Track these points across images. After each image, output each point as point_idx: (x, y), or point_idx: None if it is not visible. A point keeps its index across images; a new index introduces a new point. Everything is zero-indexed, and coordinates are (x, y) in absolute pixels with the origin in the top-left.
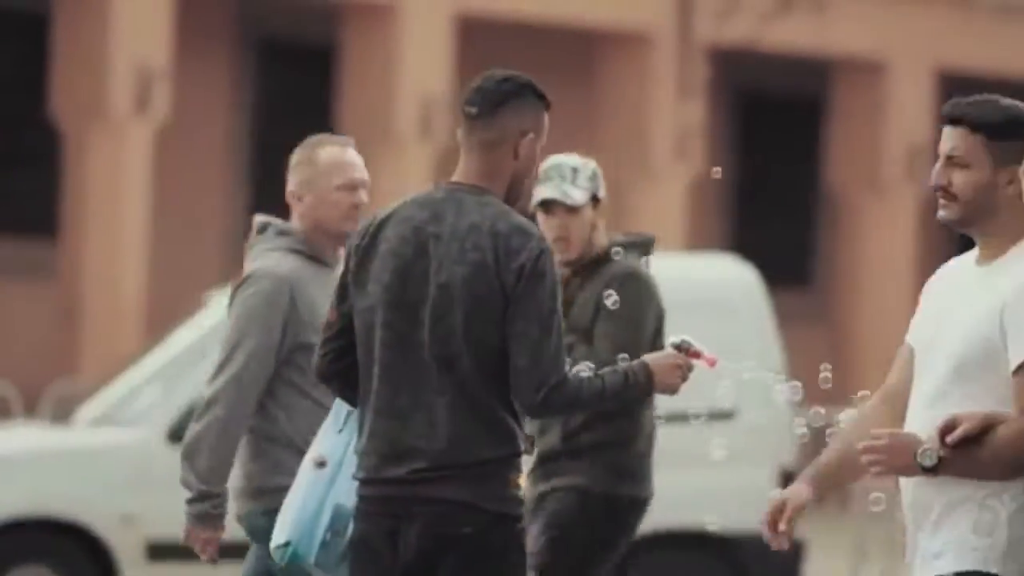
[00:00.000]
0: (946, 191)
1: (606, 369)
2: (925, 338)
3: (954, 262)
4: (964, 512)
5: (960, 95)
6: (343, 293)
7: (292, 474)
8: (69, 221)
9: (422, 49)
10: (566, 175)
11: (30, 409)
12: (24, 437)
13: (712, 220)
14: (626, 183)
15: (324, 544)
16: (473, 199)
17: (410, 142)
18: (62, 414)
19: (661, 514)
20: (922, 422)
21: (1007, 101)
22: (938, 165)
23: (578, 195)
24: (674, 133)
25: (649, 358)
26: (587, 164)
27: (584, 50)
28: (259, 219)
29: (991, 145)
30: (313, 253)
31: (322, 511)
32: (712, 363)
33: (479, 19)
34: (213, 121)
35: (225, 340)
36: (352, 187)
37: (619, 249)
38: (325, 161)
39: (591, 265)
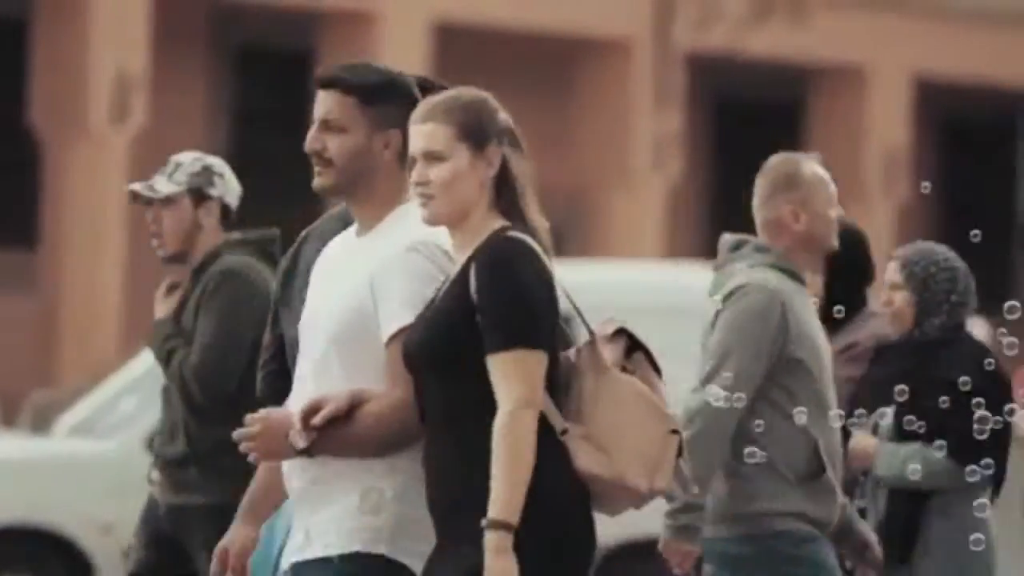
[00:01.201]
0: (321, 156)
1: None
2: (306, 316)
3: (339, 238)
4: (346, 492)
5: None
6: (275, 316)
7: (770, 499)
8: (48, 230)
9: (400, 56)
10: (167, 169)
11: (10, 418)
12: (3, 446)
13: (690, 228)
14: (604, 191)
15: (280, 568)
16: None
17: None
18: (42, 423)
19: (638, 523)
20: (304, 401)
21: (382, 65)
22: (312, 130)
23: (164, 187)
24: (652, 141)
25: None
26: (198, 160)
27: (562, 58)
28: (731, 237)
29: (366, 109)
30: (794, 269)
31: (273, 537)
32: None
33: (457, 27)
34: (191, 129)
35: (711, 351)
36: (835, 202)
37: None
38: (811, 179)
39: (201, 266)
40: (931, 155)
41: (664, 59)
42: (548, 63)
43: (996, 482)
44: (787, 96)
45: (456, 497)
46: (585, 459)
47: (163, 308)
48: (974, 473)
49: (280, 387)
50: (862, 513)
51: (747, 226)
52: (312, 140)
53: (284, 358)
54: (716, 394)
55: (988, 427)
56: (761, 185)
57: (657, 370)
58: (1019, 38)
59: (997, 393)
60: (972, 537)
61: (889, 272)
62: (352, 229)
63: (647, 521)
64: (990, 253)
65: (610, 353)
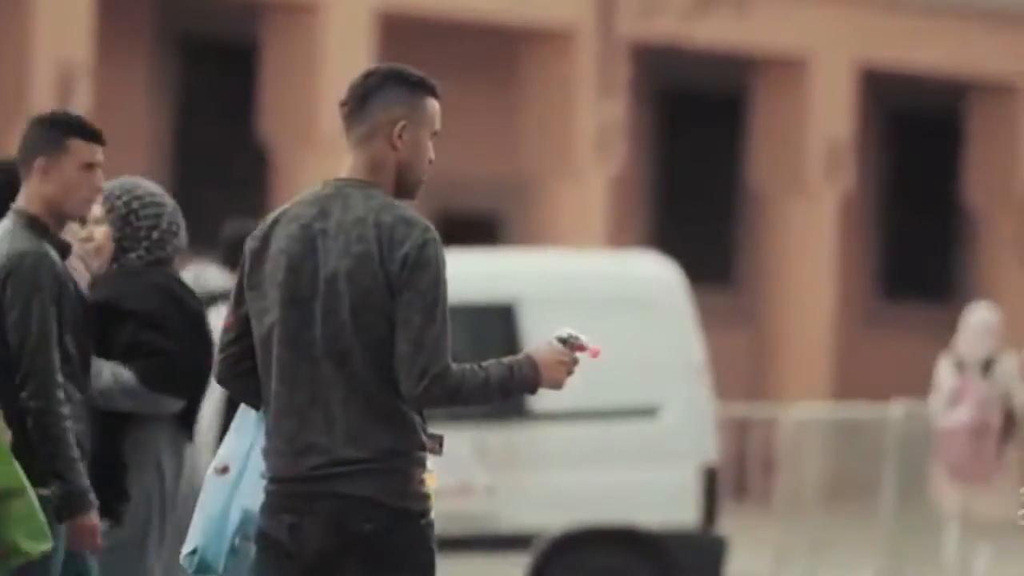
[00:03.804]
0: None
1: (491, 361)
2: None
3: None
4: None
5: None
6: (239, 297)
7: None
8: None
9: (344, 47)
10: None
11: None
12: None
13: (634, 217)
14: (548, 179)
15: (233, 550)
16: (359, 193)
17: (334, 140)
18: None
19: (584, 511)
20: None
21: None
22: None
23: None
24: (596, 130)
25: (535, 352)
26: None
27: (506, 47)
28: None
29: None
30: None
31: (227, 517)
32: (596, 353)
33: (401, 17)
34: (135, 119)
35: None
36: None
37: None
38: None
39: None
40: (874, 145)
41: (608, 49)
42: (492, 53)
43: (189, 424)
44: (731, 86)
45: None
46: None
47: None
48: (166, 402)
49: (243, 369)
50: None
51: (689, 213)
52: None
53: (247, 340)
54: None
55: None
56: None
57: None
58: (962, 28)
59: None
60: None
61: (93, 209)
62: None
63: (596, 510)
64: (935, 242)
65: None
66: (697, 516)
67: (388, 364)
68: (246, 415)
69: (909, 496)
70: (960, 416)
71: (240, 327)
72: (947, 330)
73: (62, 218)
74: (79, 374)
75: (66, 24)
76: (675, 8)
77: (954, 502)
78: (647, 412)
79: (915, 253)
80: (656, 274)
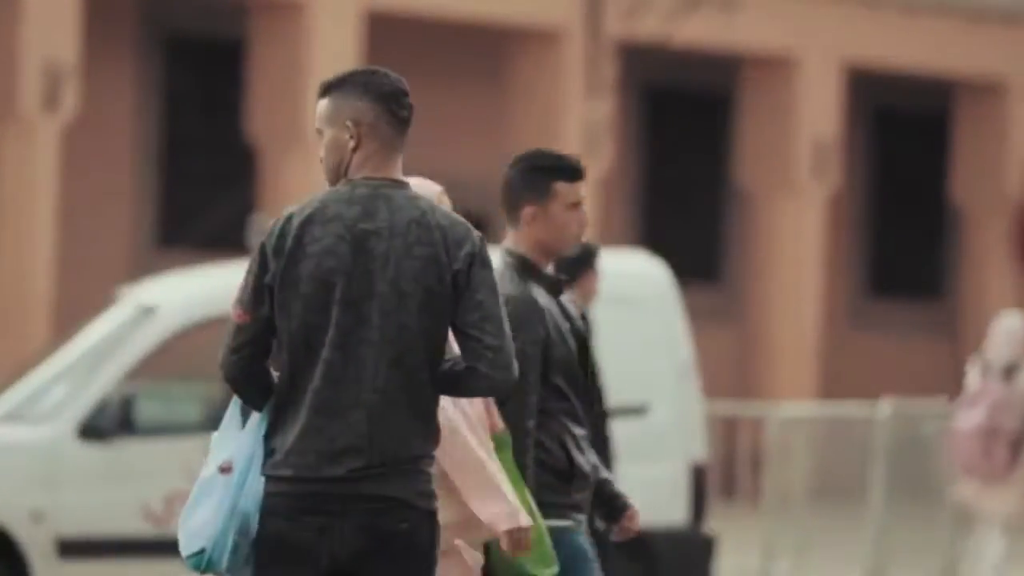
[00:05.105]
0: None
1: None
2: None
3: None
4: None
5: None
6: (259, 296)
7: None
8: None
9: (331, 46)
10: None
11: None
12: None
13: (621, 216)
14: None
15: (235, 548)
16: (399, 194)
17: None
18: None
19: None
20: None
21: None
22: None
23: None
24: (583, 130)
25: None
26: None
27: (493, 47)
28: None
29: None
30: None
31: (232, 516)
32: None
33: (388, 16)
34: (122, 118)
35: None
36: None
37: None
38: None
39: None
40: (861, 144)
41: (595, 48)
42: (480, 52)
43: None
44: (718, 84)
45: None
46: None
47: None
48: None
49: (254, 368)
50: None
51: (677, 213)
52: None
53: (264, 338)
54: None
55: None
56: None
57: None
58: (949, 26)
59: None
60: None
61: None
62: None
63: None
64: (923, 241)
65: None
66: (685, 514)
67: (436, 367)
68: (234, 411)
69: (897, 495)
70: (971, 418)
71: (259, 327)
72: (935, 329)
73: (551, 256)
74: (577, 409)
75: (53, 24)
76: (662, 7)
77: (970, 500)
78: (635, 410)
79: (903, 252)
80: (644, 272)
